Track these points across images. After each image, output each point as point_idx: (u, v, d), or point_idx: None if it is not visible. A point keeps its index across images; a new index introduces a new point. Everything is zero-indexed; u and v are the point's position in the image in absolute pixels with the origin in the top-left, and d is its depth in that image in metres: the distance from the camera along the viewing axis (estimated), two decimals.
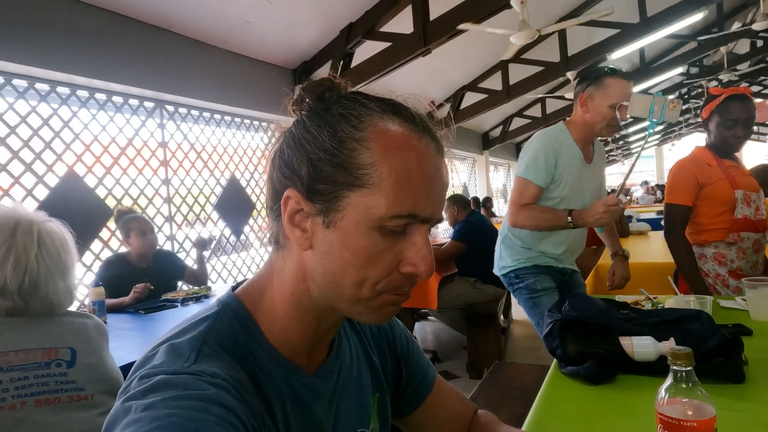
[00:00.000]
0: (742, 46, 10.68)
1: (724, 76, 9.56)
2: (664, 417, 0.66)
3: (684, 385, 0.65)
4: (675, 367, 0.66)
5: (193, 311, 2.35)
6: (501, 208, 12.07)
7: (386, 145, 0.52)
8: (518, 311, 5.01)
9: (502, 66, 7.22)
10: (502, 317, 3.89)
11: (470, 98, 7.58)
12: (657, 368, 1.09)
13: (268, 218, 0.60)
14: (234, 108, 4.26)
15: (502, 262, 2.09)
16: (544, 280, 1.98)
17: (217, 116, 4.28)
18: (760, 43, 10.53)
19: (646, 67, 9.03)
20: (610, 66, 1.86)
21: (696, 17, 6.20)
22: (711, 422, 0.64)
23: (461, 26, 3.85)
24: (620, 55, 7.23)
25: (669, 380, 0.67)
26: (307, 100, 0.58)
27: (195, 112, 4.06)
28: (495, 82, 7.34)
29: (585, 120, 1.91)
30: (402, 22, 4.35)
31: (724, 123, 1.95)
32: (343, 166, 0.52)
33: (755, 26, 6.21)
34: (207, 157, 4.16)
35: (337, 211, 0.52)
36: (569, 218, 1.80)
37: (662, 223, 2.10)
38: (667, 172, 2.14)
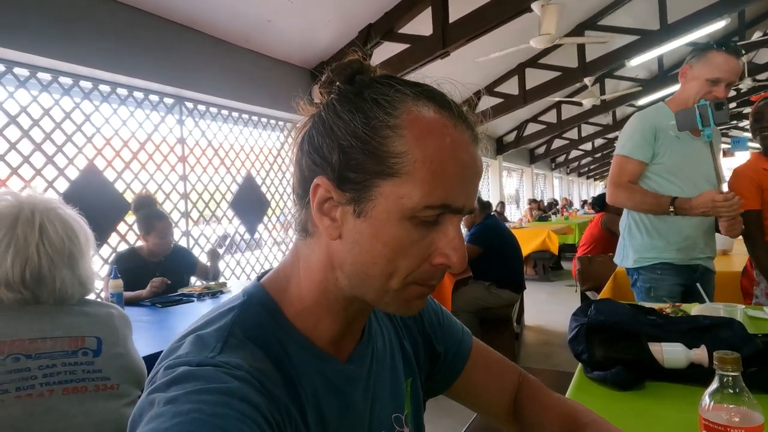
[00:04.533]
0: (764, 56, 10.52)
1: (744, 85, 9.43)
2: (709, 423, 0.64)
3: (731, 391, 0.64)
4: (721, 372, 0.65)
5: (209, 306, 2.35)
6: (513, 214, 12.01)
7: (420, 132, 0.50)
8: (531, 317, 4.96)
9: (519, 70, 7.19)
10: (515, 323, 3.85)
11: (486, 102, 7.56)
12: (687, 376, 1.07)
13: (295, 205, 0.58)
14: (252, 106, 4.29)
15: (624, 252, 2.04)
16: (662, 287, 1.90)
17: (235, 114, 4.31)
18: None
19: (664, 74, 8.94)
20: (721, 40, 1.82)
21: (718, 25, 6.12)
22: (759, 430, 0.62)
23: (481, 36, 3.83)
24: (639, 62, 7.17)
25: (714, 385, 0.65)
26: (337, 83, 0.56)
27: (213, 110, 4.09)
28: (511, 87, 7.30)
29: (681, 93, 1.92)
30: (421, 24, 4.34)
31: (757, 124, 1.97)
32: (375, 154, 0.50)
33: None
34: (224, 155, 4.18)
35: (369, 201, 0.51)
36: (671, 207, 1.77)
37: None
38: None
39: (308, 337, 0.57)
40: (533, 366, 3.51)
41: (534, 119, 10.26)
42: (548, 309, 5.47)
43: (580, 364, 1.21)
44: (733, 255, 3.08)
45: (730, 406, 0.63)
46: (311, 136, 0.55)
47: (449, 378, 0.79)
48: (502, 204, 9.39)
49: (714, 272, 2.00)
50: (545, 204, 11.95)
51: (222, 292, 2.73)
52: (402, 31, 4.51)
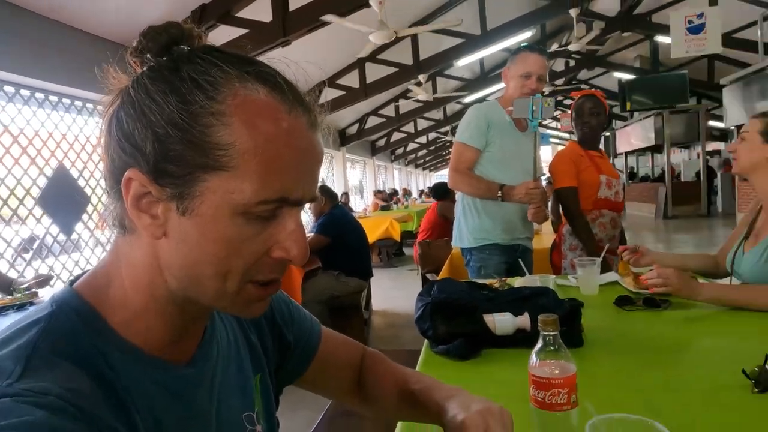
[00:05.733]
0: (560, 65, 12.43)
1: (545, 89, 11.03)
2: (536, 378, 0.73)
3: (552, 348, 0.74)
4: (544, 333, 0.74)
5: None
6: (357, 204, 12.38)
7: (250, 119, 0.45)
8: (378, 302, 5.18)
9: (360, 64, 7.40)
10: (364, 309, 3.99)
11: (328, 94, 7.64)
12: (515, 340, 1.21)
13: (108, 196, 0.50)
14: (63, 87, 3.69)
15: (460, 233, 2.27)
16: (491, 264, 2.16)
17: (40, 95, 3.67)
18: (572, 63, 12.37)
19: (485, 75, 10.00)
20: (527, 43, 2.14)
21: (526, 35, 7.06)
22: (574, 378, 0.73)
23: (325, 18, 3.84)
24: (464, 63, 7.92)
25: (539, 344, 0.75)
26: (148, 54, 0.48)
27: (10, 89, 3.43)
28: (352, 80, 7.49)
29: (506, 92, 2.22)
30: (260, 10, 4.20)
31: (577, 117, 2.36)
32: (197, 145, 0.44)
33: (571, 47, 7.29)
34: (26, 143, 3.54)
35: (194, 197, 0.45)
36: (499, 192, 2.05)
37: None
38: None
39: (137, 344, 0.50)
40: (382, 347, 3.68)
41: (374, 113, 10.69)
42: (393, 294, 5.78)
43: (426, 341, 1.29)
44: (542, 234, 3.58)
45: (552, 361, 0.73)
46: (120, 119, 0.47)
47: (301, 367, 0.78)
48: (346, 195, 9.62)
49: (532, 250, 2.34)
50: (387, 194, 12.56)
51: (32, 304, 2.33)
52: (240, 15, 4.31)
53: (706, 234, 9.75)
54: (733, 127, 9.95)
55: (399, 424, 0.88)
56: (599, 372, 1.04)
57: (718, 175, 13.22)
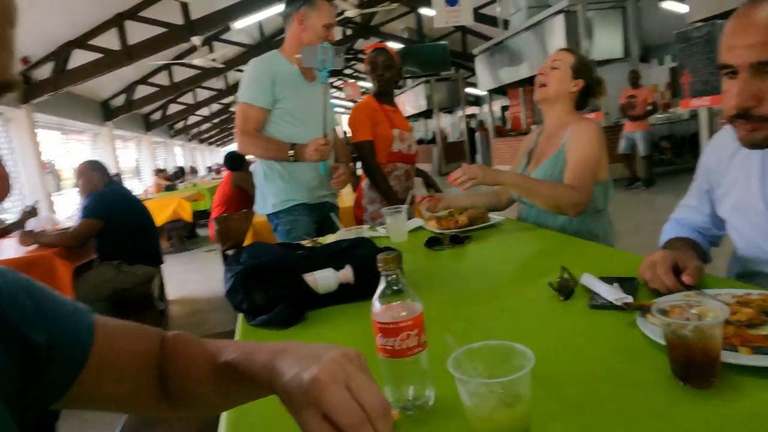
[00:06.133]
0: (337, 34, 12.72)
1: None
2: (382, 325, 0.64)
3: (395, 288, 0.65)
4: (386, 273, 0.65)
5: None
6: (135, 187, 10.95)
7: None
8: (174, 291, 4.65)
9: (118, 21, 6.36)
10: (158, 300, 3.51)
11: (80, 57, 6.40)
12: (340, 296, 1.13)
13: None
14: None
15: (264, 199, 2.10)
16: (301, 226, 2.04)
17: None
18: (349, 32, 12.80)
19: (266, 41, 9.65)
20: None
21: None
22: (421, 316, 0.66)
23: None
24: (242, 26, 7.45)
25: (381, 287, 0.66)
26: None
27: None
28: (111, 41, 6.40)
29: (301, 39, 1.99)
30: None
31: (372, 71, 2.39)
32: None
33: (348, 14, 7.45)
34: None
35: None
36: (291, 152, 1.93)
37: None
38: None
39: None
40: None
41: (144, 81, 9.43)
42: (191, 278, 5.30)
43: (241, 315, 1.12)
44: (343, 194, 3.61)
45: (397, 303, 0.65)
46: None
47: (68, 377, 0.53)
48: (118, 176, 8.37)
49: (338, 207, 2.30)
50: (170, 173, 11.39)
51: None
52: None
53: None
54: (485, 92, 11.65)
55: (223, 416, 0.70)
56: (430, 310, 1.02)
57: (477, 135, 15.43)
